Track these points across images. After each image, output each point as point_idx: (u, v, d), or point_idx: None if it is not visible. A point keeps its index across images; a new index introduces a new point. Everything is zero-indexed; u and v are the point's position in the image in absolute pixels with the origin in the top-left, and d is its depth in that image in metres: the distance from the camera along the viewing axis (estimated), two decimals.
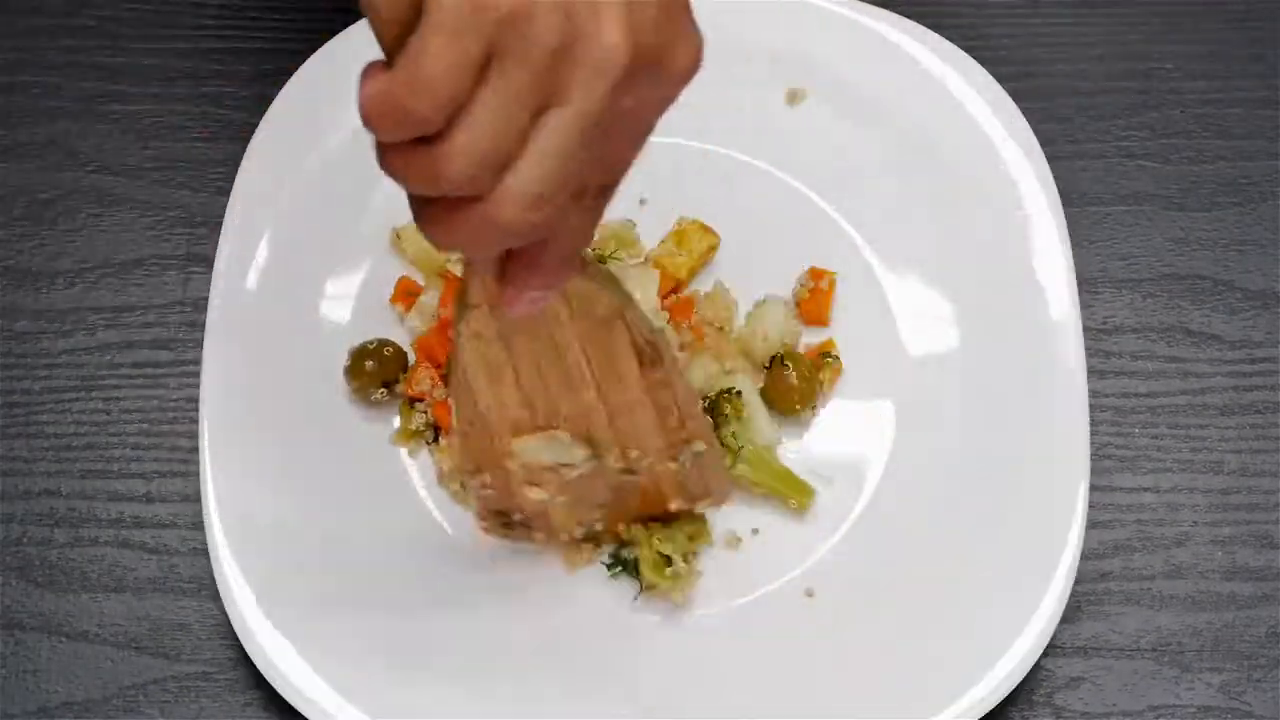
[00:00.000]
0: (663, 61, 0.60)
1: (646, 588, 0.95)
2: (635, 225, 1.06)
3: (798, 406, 1.00)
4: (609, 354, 0.79)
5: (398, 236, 1.05)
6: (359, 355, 1.00)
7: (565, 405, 0.83)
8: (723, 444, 0.96)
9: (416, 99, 0.57)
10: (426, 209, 0.60)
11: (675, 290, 1.04)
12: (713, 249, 1.06)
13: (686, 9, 0.64)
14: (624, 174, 0.65)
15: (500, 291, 0.67)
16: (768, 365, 1.01)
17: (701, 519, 0.97)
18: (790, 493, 0.98)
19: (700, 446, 0.88)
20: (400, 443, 1.00)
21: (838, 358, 1.03)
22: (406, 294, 1.04)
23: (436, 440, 0.99)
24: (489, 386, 0.82)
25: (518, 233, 0.58)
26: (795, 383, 1.00)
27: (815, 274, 1.05)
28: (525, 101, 0.56)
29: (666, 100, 0.63)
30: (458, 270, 1.01)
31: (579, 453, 0.86)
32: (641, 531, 0.95)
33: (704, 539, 0.97)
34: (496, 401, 0.83)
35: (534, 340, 0.79)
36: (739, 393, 0.98)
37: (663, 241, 1.05)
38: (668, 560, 0.94)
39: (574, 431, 0.85)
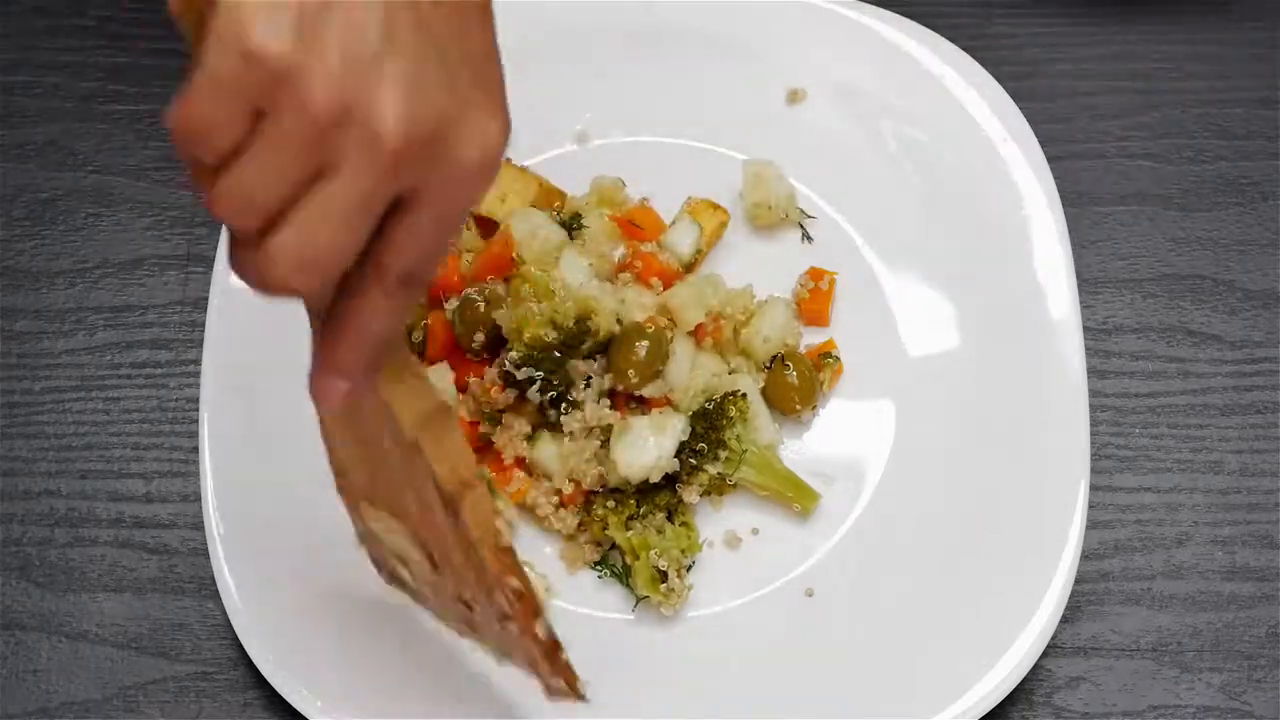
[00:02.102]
0: (447, 146, 0.57)
1: (640, 600, 0.95)
2: (625, 185, 1.06)
3: (798, 406, 1.00)
4: (418, 480, 0.71)
5: None
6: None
7: (409, 502, 0.74)
8: (726, 446, 0.96)
9: (190, 140, 0.55)
10: (232, 242, 0.60)
11: (692, 268, 1.04)
12: (723, 225, 1.05)
13: (491, 90, 0.60)
14: (430, 266, 0.62)
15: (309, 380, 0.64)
16: (768, 365, 1.01)
17: (691, 529, 0.97)
18: (795, 497, 0.98)
19: (515, 583, 0.73)
20: None
21: (838, 358, 1.03)
22: None
23: None
24: (340, 445, 0.77)
25: (285, 290, 0.58)
26: (796, 383, 1.00)
27: (815, 274, 1.05)
28: (294, 162, 0.55)
29: (459, 190, 0.60)
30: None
31: (415, 555, 0.78)
32: (637, 540, 0.95)
33: (695, 549, 0.97)
34: (350, 461, 0.77)
35: (373, 426, 0.71)
36: (744, 395, 0.98)
37: (672, 224, 1.05)
38: (663, 575, 0.94)
39: (414, 531, 0.76)
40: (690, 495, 0.97)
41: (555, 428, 0.97)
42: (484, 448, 0.99)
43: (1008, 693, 0.90)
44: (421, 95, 0.56)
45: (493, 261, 1.01)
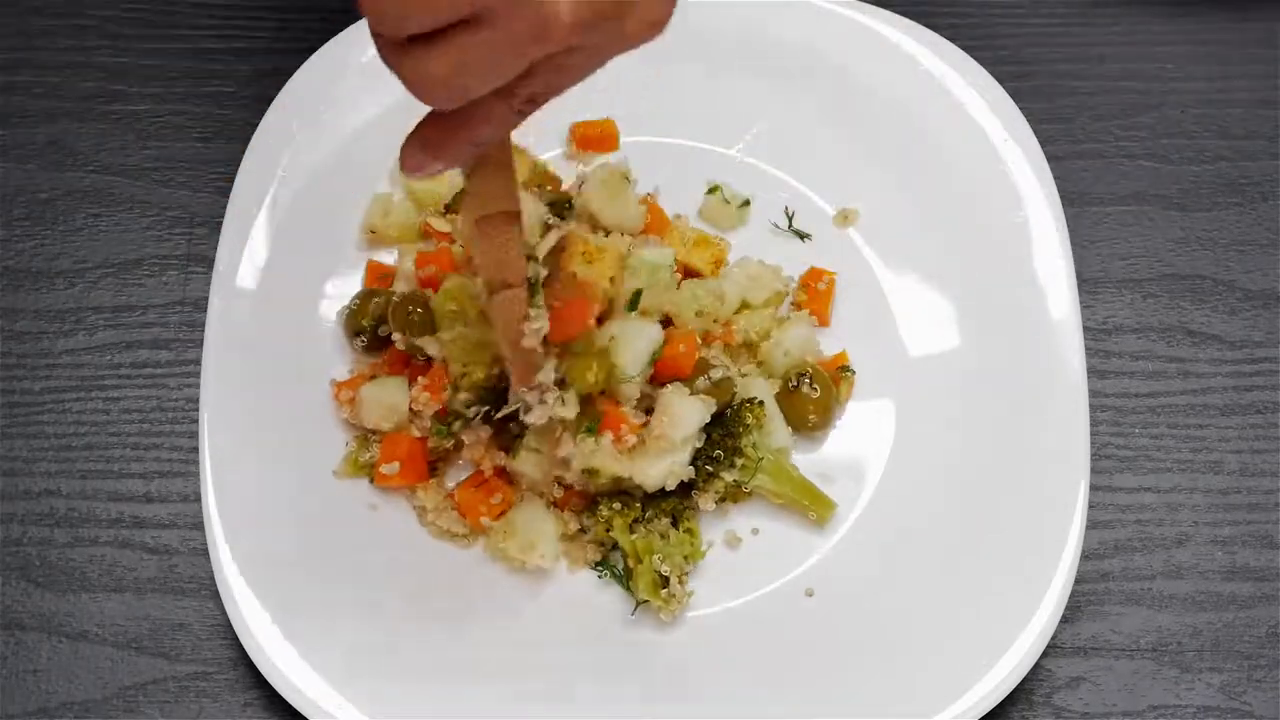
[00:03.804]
0: (615, 24, 0.67)
1: (640, 604, 0.95)
2: (631, 176, 1.04)
3: (815, 424, 1.00)
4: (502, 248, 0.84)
5: (371, 231, 1.05)
6: (362, 298, 1.01)
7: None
8: (743, 453, 0.96)
9: None
10: (391, 57, 0.67)
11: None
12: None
13: None
14: (555, 95, 0.71)
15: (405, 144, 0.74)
16: (794, 384, 0.99)
17: (695, 536, 0.96)
18: (812, 505, 0.97)
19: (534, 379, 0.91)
20: (344, 474, 0.99)
21: (853, 370, 1.02)
22: (380, 276, 1.05)
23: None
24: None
25: (426, 101, 0.67)
26: (816, 400, 0.99)
27: (814, 274, 1.05)
28: (450, 7, 0.62)
29: (614, 52, 0.70)
30: (437, 224, 1.04)
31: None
32: (641, 544, 0.95)
33: (698, 557, 0.96)
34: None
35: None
36: (760, 402, 0.97)
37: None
38: (664, 580, 0.94)
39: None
40: (706, 503, 0.96)
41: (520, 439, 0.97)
42: (443, 457, 0.99)
43: (1008, 693, 0.90)
44: None
45: None
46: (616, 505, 0.96)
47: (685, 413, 0.93)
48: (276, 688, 0.90)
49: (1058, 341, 1.00)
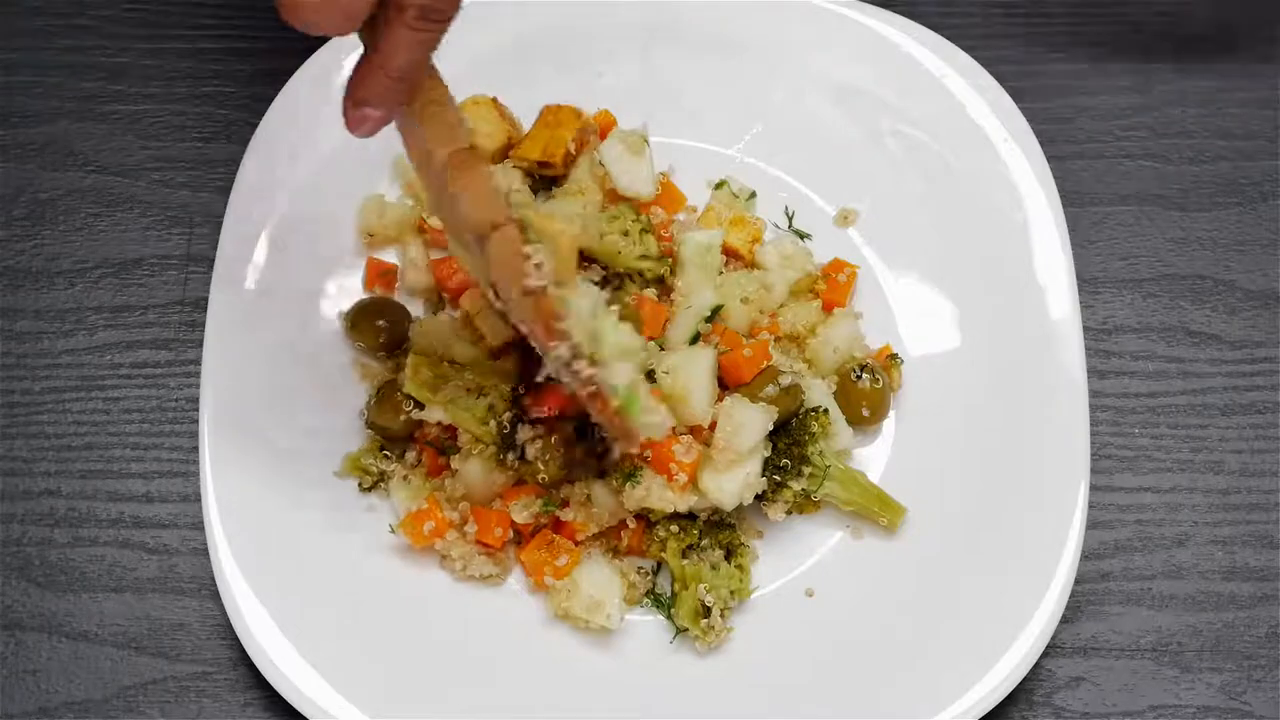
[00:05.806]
0: None
1: (679, 631, 0.94)
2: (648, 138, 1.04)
3: (869, 417, 0.99)
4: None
5: (369, 235, 1.05)
6: (365, 311, 1.01)
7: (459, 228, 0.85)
8: (810, 462, 0.95)
9: None
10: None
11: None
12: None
13: None
14: (443, 10, 0.72)
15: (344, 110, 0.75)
16: (857, 373, 0.99)
17: (745, 573, 0.95)
18: (882, 511, 0.97)
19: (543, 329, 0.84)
20: (344, 474, 0.98)
21: (901, 359, 1.02)
22: (380, 274, 1.05)
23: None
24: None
25: (316, 29, 0.69)
26: (878, 389, 0.98)
27: (837, 265, 1.04)
28: None
29: None
30: (434, 222, 1.04)
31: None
32: (690, 571, 0.94)
33: (745, 595, 0.95)
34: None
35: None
36: (825, 410, 0.96)
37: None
38: (706, 611, 0.93)
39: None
40: (776, 514, 0.96)
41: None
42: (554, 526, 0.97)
43: (1008, 693, 0.90)
44: None
45: None
46: (674, 528, 0.95)
47: (748, 422, 0.91)
48: (276, 688, 0.91)
49: (1058, 341, 1.00)
